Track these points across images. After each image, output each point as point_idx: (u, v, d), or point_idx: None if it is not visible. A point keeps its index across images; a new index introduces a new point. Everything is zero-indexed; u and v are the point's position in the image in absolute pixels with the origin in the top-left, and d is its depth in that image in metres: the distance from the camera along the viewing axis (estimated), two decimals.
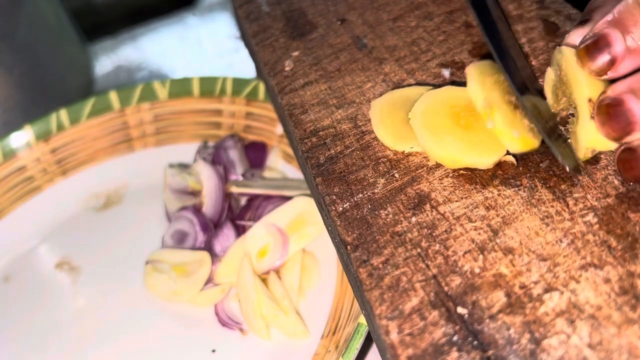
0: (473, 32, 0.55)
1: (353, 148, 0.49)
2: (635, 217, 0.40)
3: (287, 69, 0.57)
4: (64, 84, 0.83)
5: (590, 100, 0.42)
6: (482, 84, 0.45)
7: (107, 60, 0.93)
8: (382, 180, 0.46)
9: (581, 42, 0.42)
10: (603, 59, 0.40)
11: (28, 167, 0.71)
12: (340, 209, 0.45)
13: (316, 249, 0.61)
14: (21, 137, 0.71)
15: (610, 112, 0.40)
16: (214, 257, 0.61)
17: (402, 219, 0.43)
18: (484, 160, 0.44)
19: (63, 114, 0.72)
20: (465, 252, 0.40)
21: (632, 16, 0.40)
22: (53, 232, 0.69)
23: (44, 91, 0.80)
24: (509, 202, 0.42)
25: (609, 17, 0.41)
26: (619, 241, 0.39)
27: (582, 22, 0.45)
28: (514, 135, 0.43)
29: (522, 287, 0.38)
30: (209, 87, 0.73)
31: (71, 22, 0.87)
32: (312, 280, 0.60)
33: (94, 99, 0.73)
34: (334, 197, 0.46)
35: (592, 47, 0.41)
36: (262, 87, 0.70)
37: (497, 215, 0.42)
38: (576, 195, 0.42)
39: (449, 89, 0.48)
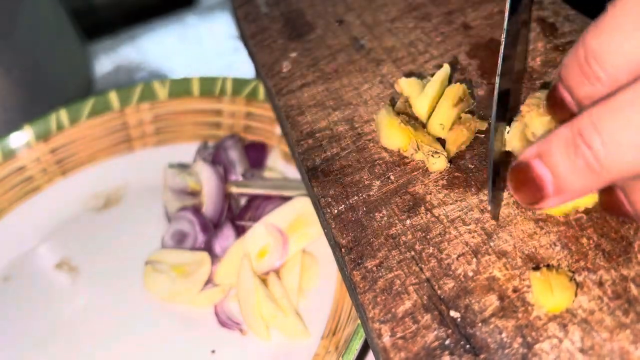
0: (471, 33, 0.55)
1: (349, 150, 0.49)
2: (629, 221, 0.40)
3: (284, 70, 0.57)
4: (64, 83, 0.83)
5: None
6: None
7: (106, 60, 0.93)
8: (378, 183, 0.46)
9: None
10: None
11: (28, 167, 0.71)
12: (336, 211, 0.45)
13: (316, 249, 0.61)
14: (21, 137, 0.71)
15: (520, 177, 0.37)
16: (214, 257, 0.61)
17: (397, 221, 0.43)
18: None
19: (63, 113, 0.72)
20: (459, 255, 0.40)
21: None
22: (53, 232, 0.69)
23: (44, 91, 0.80)
24: (503, 204, 0.42)
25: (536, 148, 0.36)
26: (613, 245, 0.39)
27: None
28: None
29: (515, 290, 0.38)
30: (209, 87, 0.72)
31: (71, 22, 0.87)
32: (312, 280, 0.60)
33: (94, 99, 0.73)
34: (330, 199, 0.46)
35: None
36: (262, 87, 0.70)
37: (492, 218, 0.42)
38: None
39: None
